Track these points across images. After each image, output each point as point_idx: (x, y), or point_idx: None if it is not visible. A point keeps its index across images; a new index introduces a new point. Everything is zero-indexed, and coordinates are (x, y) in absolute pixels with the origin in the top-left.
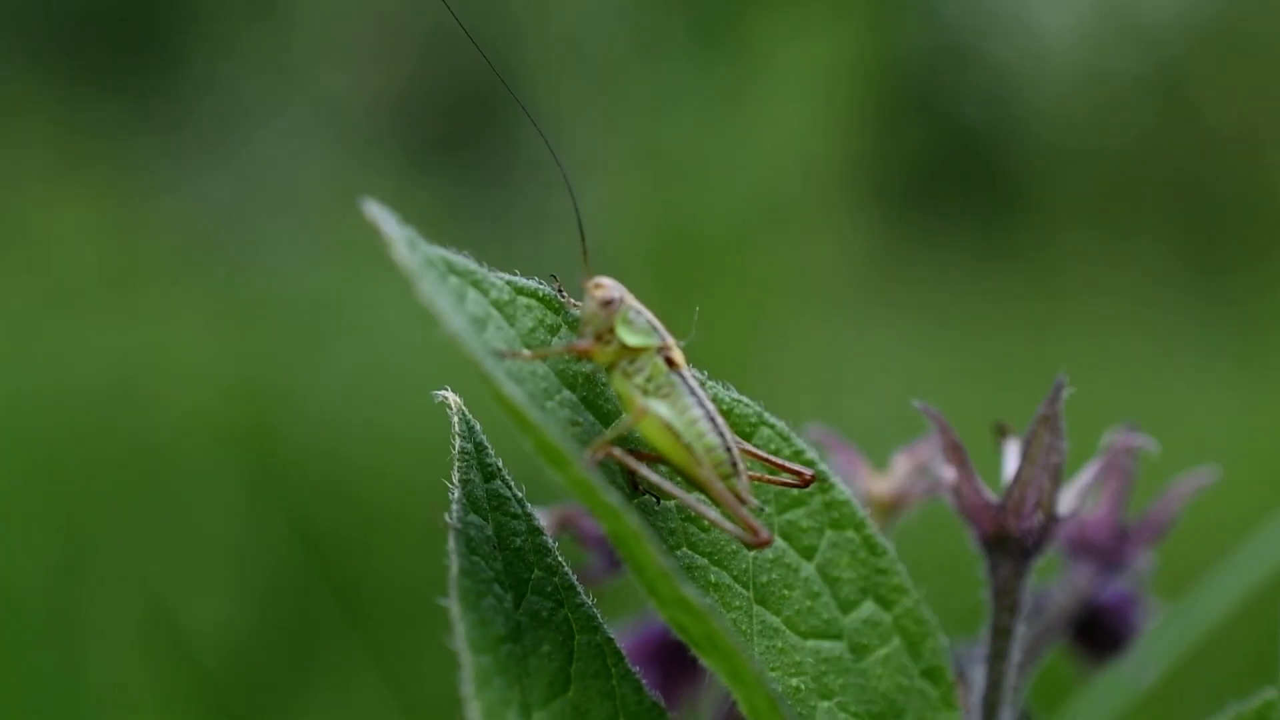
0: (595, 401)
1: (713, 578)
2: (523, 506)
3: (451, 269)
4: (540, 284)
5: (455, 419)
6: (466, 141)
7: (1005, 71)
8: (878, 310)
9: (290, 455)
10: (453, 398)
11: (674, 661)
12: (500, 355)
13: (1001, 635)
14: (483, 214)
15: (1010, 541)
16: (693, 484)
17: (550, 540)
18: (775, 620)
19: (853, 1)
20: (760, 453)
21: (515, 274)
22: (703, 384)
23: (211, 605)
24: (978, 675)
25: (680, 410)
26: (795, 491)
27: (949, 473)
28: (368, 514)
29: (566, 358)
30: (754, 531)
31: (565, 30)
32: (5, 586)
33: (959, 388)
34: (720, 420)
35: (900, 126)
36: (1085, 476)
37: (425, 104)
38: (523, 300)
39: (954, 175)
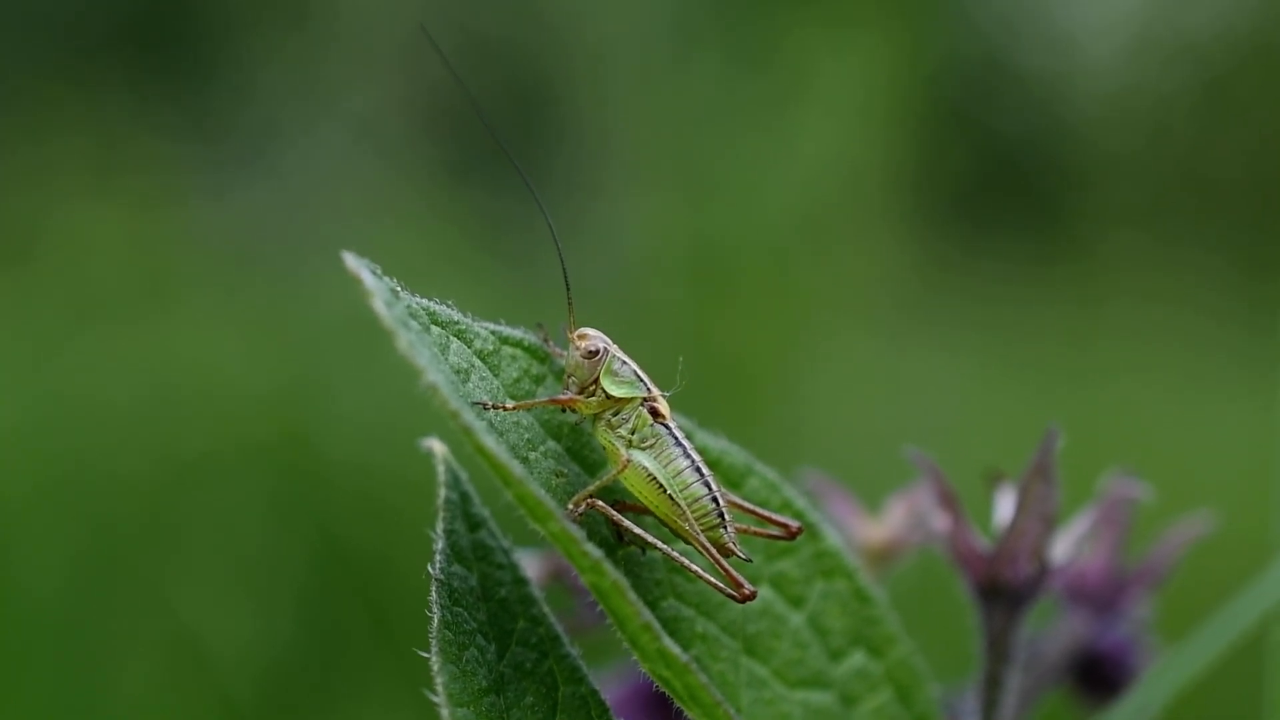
0: (581, 452)
1: (700, 628)
2: (508, 556)
3: (434, 320)
4: (525, 333)
5: (440, 468)
6: (502, 153)
7: (1046, 82)
8: (919, 321)
9: (322, 468)
10: (438, 446)
11: (662, 712)
12: (483, 407)
13: (994, 685)
14: (518, 225)
15: (1003, 591)
16: (677, 536)
17: (536, 590)
18: (763, 671)
19: (892, 14)
20: (747, 505)
21: (500, 323)
22: (690, 435)
23: (239, 623)
24: None
25: (665, 462)
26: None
27: (942, 521)
28: (400, 527)
29: (550, 409)
30: (738, 585)
31: (603, 43)
32: (28, 604)
33: (1001, 397)
34: (707, 471)
35: (941, 138)
36: (1079, 526)
37: (462, 116)
38: (508, 350)
39: (996, 186)
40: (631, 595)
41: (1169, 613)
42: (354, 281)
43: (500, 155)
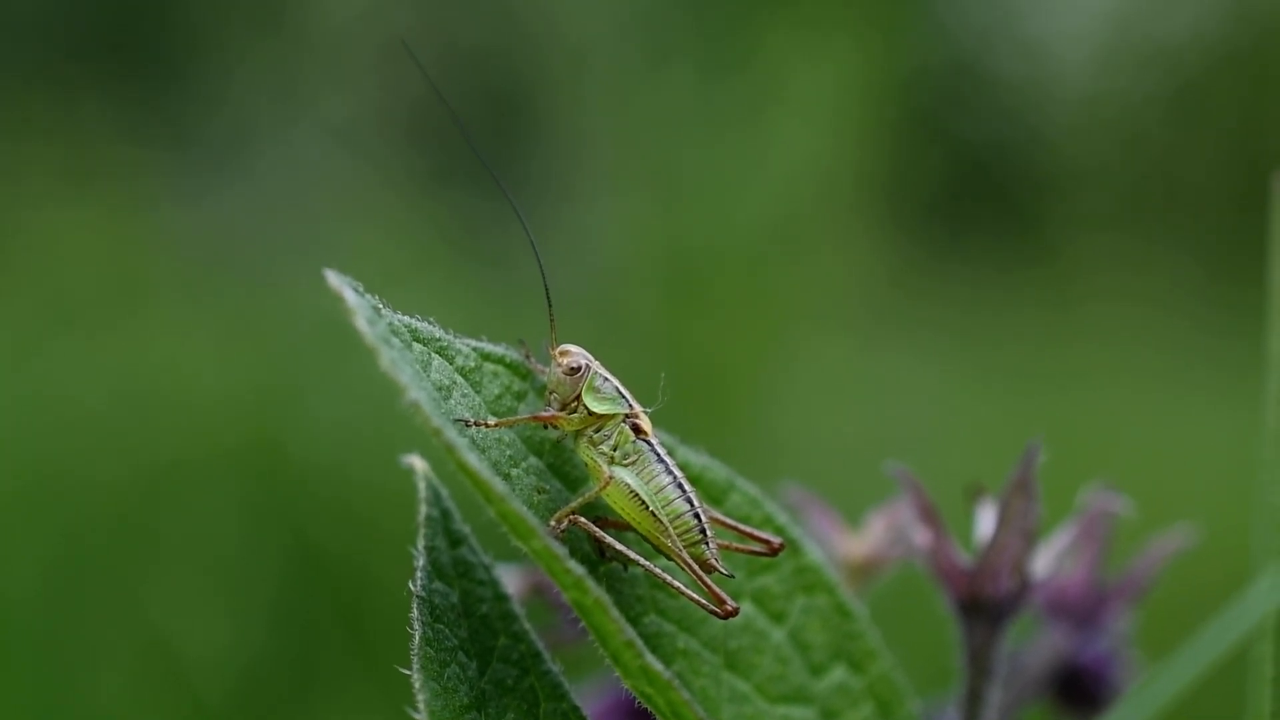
0: (562, 468)
1: (681, 644)
2: (489, 573)
3: (416, 337)
4: (507, 350)
5: (421, 485)
6: (482, 165)
7: (1019, 89)
8: (894, 326)
9: (296, 474)
10: (419, 463)
11: None
12: (464, 423)
13: (975, 700)
14: (494, 227)
15: (984, 606)
16: (660, 551)
17: (517, 606)
18: (745, 686)
19: (866, 21)
20: (729, 521)
21: (481, 339)
22: (672, 451)
23: (213, 628)
24: None
25: (647, 478)
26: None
27: (923, 537)
28: (374, 533)
29: (532, 425)
30: (720, 601)
31: (578, 48)
32: (1, 609)
33: (975, 401)
34: (689, 487)
35: (914, 144)
36: (1060, 540)
37: (436, 120)
38: (489, 366)
39: (969, 192)
40: (614, 612)
41: (1149, 626)
42: (335, 299)
43: (474, 158)
